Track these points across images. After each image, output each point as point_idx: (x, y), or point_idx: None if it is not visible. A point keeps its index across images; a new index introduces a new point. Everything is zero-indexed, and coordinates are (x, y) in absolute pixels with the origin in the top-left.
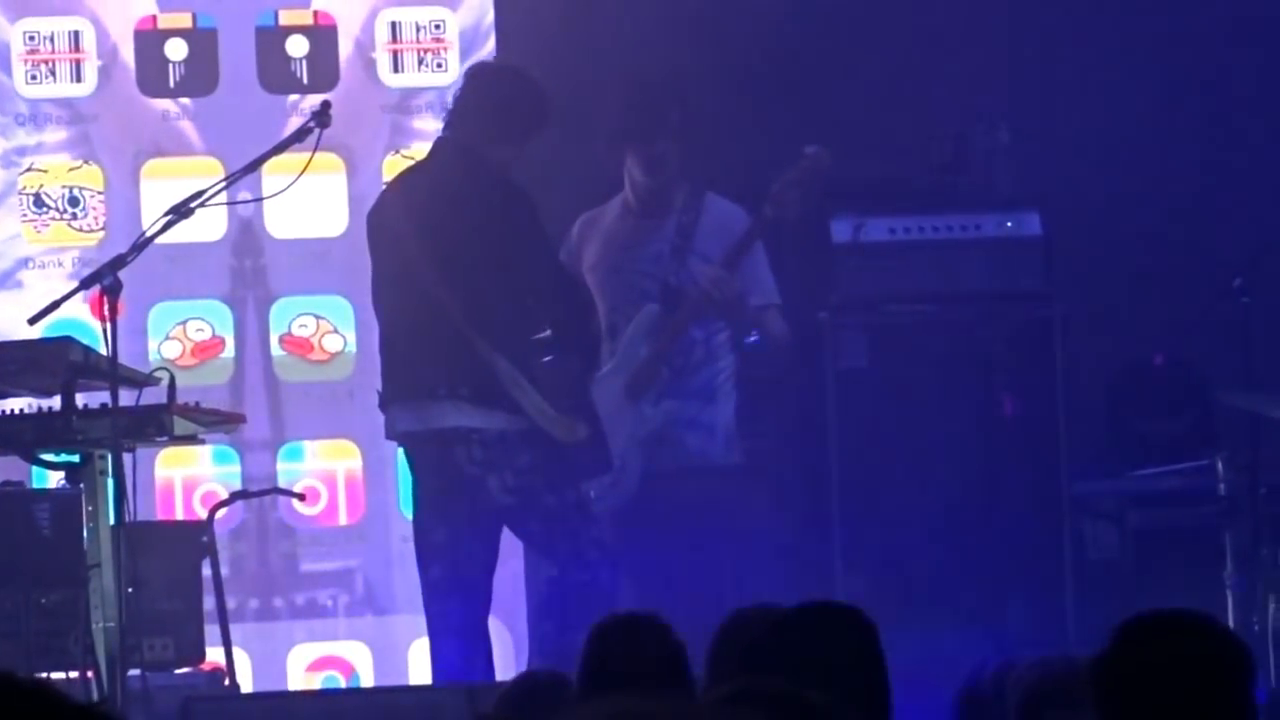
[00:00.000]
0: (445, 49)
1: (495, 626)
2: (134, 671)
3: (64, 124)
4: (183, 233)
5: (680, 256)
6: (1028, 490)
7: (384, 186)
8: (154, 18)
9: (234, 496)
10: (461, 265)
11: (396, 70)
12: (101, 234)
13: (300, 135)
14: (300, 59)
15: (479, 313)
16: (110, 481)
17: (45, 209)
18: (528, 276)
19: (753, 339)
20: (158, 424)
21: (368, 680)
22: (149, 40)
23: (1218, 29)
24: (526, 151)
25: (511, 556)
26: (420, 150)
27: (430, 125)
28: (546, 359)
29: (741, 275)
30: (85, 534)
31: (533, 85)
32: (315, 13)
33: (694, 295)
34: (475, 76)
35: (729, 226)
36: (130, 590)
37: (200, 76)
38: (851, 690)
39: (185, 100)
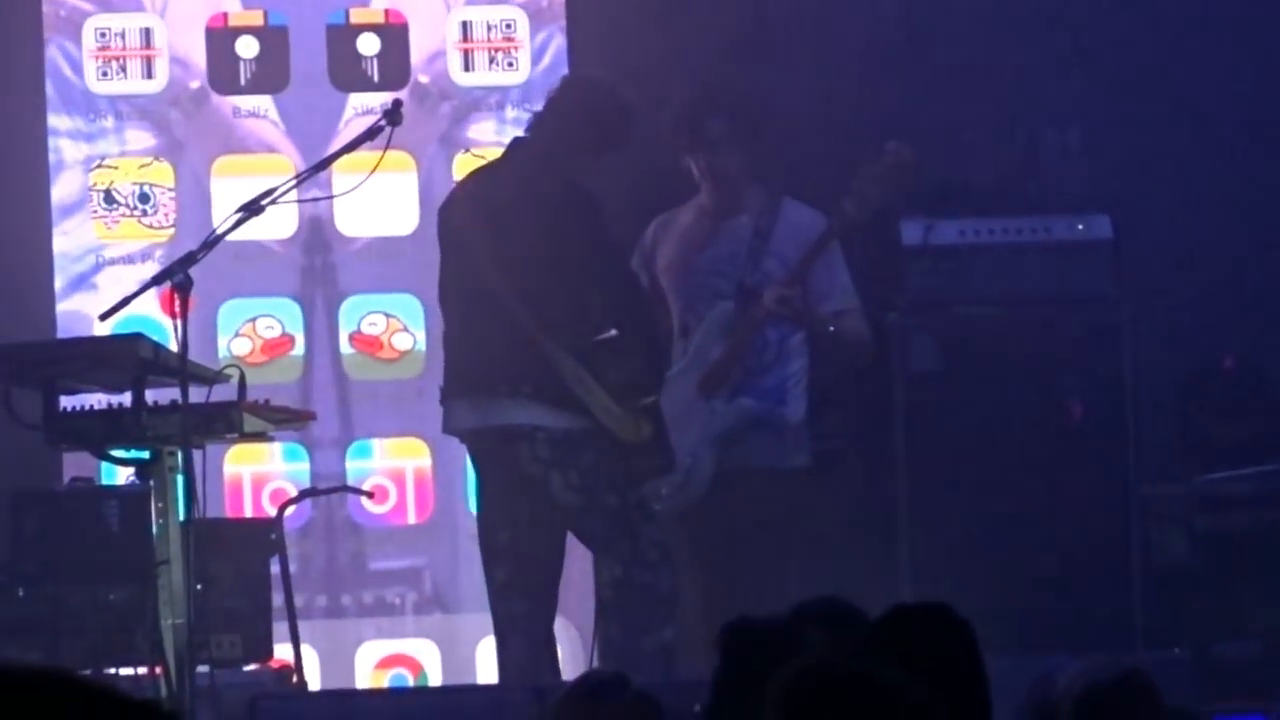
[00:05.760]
0: (516, 48)
1: (563, 625)
2: (202, 669)
3: (134, 120)
4: (253, 230)
5: (756, 258)
6: (1096, 493)
7: (455, 183)
8: (225, 15)
9: (303, 494)
10: (528, 264)
11: (467, 69)
12: (172, 231)
13: (371, 134)
14: (371, 57)
15: (544, 312)
16: (179, 478)
17: (115, 205)
18: (594, 278)
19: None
20: (227, 421)
21: (435, 678)
22: (220, 37)
23: None
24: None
25: (579, 555)
26: (488, 150)
27: (499, 124)
28: (611, 357)
29: (817, 279)
30: (154, 531)
31: (626, 105)
32: (386, 11)
33: (767, 301)
34: (571, 87)
35: (806, 230)
36: (199, 587)
37: (271, 74)
38: (952, 691)
39: (256, 98)
